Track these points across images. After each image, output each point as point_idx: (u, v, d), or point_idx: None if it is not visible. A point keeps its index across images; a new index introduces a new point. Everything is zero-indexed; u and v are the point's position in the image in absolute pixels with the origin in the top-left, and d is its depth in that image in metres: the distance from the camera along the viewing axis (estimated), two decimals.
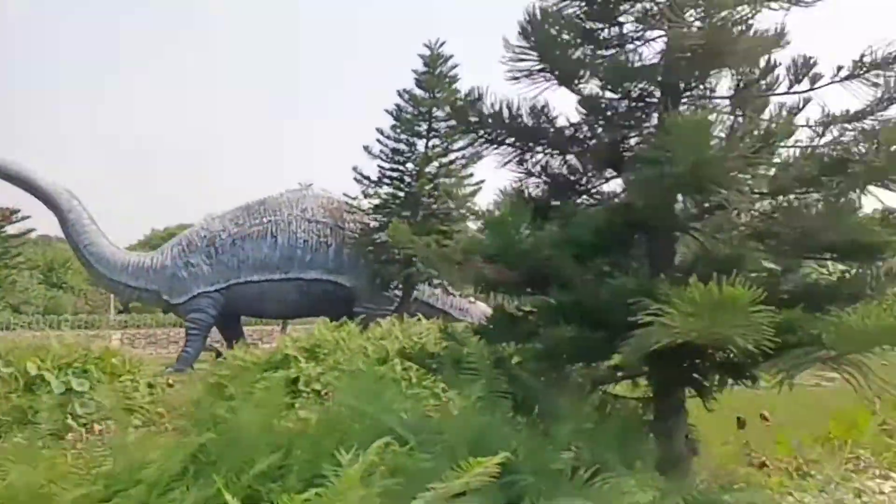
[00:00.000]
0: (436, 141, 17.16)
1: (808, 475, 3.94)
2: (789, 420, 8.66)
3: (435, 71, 17.25)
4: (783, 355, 3.22)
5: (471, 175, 17.58)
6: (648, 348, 3.23)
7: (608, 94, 4.85)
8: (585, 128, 4.74)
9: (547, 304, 4.20)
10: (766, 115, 5.14)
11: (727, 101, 5.08)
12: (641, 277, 3.84)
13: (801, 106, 4.91)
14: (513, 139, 4.88)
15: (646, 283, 3.71)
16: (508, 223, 3.76)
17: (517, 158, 5.28)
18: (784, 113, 4.98)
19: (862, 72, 4.25)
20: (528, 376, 3.82)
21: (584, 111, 4.81)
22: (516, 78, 4.77)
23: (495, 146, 5.21)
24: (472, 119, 4.91)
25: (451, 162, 17.47)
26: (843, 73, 4.34)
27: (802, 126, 4.78)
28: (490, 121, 4.76)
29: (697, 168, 3.43)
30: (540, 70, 4.59)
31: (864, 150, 3.58)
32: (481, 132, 4.95)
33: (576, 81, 4.74)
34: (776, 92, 4.70)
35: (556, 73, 4.63)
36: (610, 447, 3.60)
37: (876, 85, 4.30)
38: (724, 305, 2.84)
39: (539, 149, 5.05)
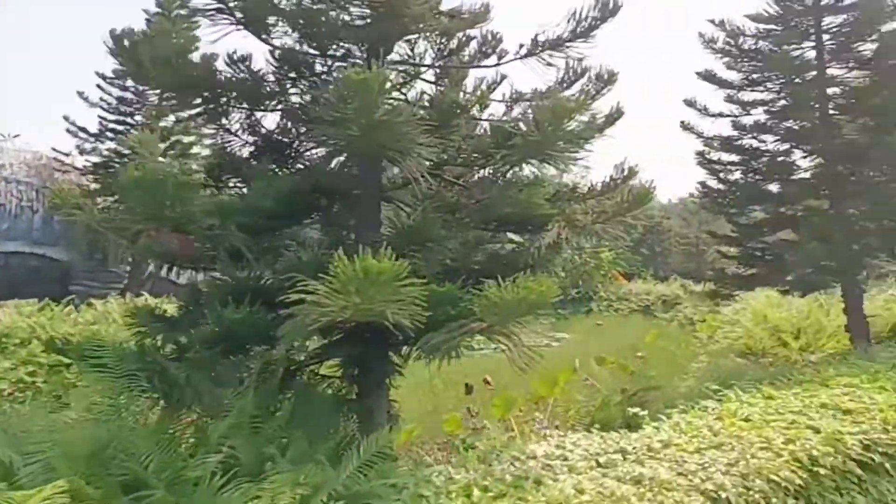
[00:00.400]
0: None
1: (470, 447, 4.03)
2: (512, 382, 9.33)
3: (171, 13, 15.25)
4: (443, 328, 3.13)
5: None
6: (308, 328, 2.91)
7: (308, 50, 4.45)
8: (273, 82, 4.25)
9: (217, 281, 3.68)
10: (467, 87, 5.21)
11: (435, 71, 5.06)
12: (316, 251, 3.49)
13: (498, 80, 5.04)
14: (192, 90, 4.19)
15: (321, 256, 3.38)
16: (155, 183, 3.12)
17: (209, 113, 4.66)
18: (484, 87, 5.09)
19: (538, 51, 4.39)
20: (179, 369, 3.26)
21: (275, 64, 4.32)
22: (193, 18, 4.12)
23: (176, 97, 4.51)
24: (144, 63, 4.11)
25: (192, 116, 15.61)
26: (523, 52, 4.47)
27: (499, 101, 4.92)
28: (161, 66, 4.02)
29: (370, 130, 3.16)
30: (218, 10, 3.97)
31: (524, 127, 3.63)
32: (154, 79, 4.19)
33: (266, 30, 4.24)
34: (472, 65, 4.72)
35: (238, 16, 4.05)
36: (273, 440, 3.25)
37: (550, 65, 4.51)
38: (371, 280, 2.60)
39: (231, 102, 4.46)
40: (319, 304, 2.67)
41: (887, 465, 3.75)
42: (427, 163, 4.00)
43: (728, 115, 8.99)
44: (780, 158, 8.83)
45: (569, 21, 4.19)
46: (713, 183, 9.00)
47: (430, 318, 3.23)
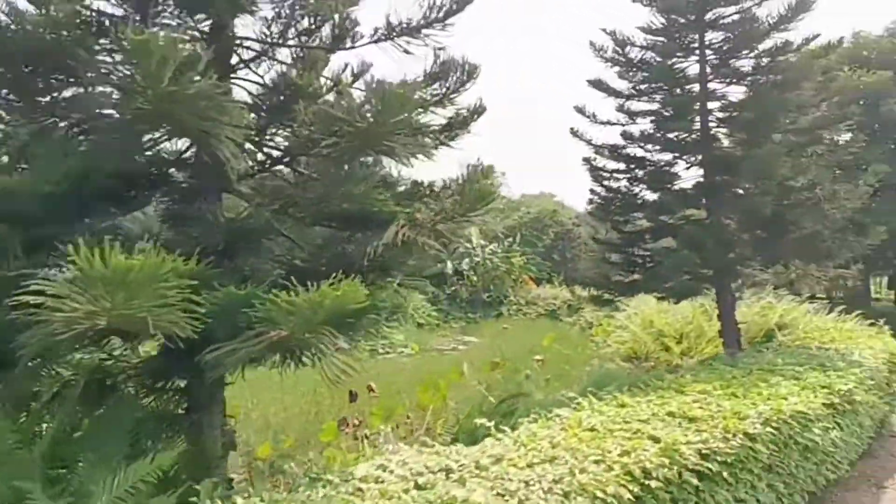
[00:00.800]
0: None
1: (279, 470, 3.66)
2: (405, 388, 8.99)
3: None
4: (239, 337, 2.75)
5: None
6: (48, 338, 2.45)
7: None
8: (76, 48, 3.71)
9: None
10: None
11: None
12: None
13: (364, 69, 4.72)
14: None
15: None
16: None
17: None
18: (348, 73, 4.76)
19: (393, 36, 4.11)
20: None
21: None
22: None
23: None
24: None
25: None
26: (379, 36, 4.18)
27: (363, 90, 4.62)
28: None
29: (159, 103, 2.74)
30: None
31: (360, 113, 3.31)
32: None
33: None
34: (316, 46, 4.37)
35: None
36: (33, 472, 2.76)
37: (408, 52, 4.24)
38: (119, 280, 2.19)
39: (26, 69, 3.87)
40: (58, 309, 2.23)
41: (725, 474, 3.69)
42: (249, 149, 3.64)
43: (616, 124, 9.07)
44: (665, 168, 8.99)
45: (421, 6, 3.93)
46: (600, 190, 9.06)
47: (231, 325, 2.86)
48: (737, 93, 8.76)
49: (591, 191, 9.35)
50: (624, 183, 9.00)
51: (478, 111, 4.69)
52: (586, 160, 8.99)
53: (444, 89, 4.55)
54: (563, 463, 3.19)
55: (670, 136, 8.67)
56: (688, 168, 8.99)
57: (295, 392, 8.63)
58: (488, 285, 25.58)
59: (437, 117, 4.65)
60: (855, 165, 11.13)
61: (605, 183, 8.93)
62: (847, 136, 12.67)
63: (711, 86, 8.75)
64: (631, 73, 8.91)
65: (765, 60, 8.26)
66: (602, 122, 8.97)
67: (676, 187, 8.78)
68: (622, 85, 9.03)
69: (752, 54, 8.54)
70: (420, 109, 4.66)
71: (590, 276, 10.62)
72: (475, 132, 4.82)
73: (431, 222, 3.57)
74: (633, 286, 8.83)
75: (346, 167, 3.74)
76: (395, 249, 3.82)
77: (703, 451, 3.63)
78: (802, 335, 8.77)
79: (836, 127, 8.86)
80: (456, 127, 4.71)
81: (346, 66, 4.76)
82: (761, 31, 8.28)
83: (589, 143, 8.96)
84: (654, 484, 3.19)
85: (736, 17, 8.36)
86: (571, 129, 8.85)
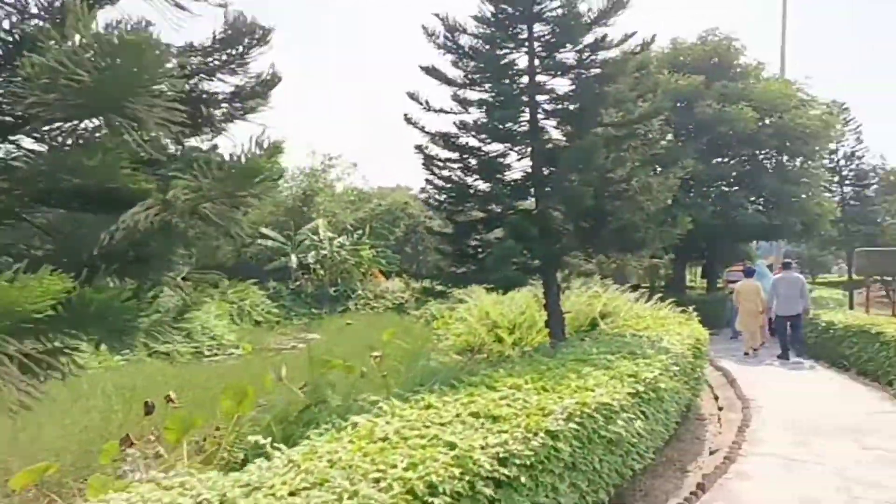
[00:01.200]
0: None
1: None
2: (215, 396, 8.07)
3: None
4: None
5: None
6: None
7: None
8: None
9: None
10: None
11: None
12: None
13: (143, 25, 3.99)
14: None
15: None
16: None
17: None
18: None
19: None
20: None
21: None
22: None
23: None
24: None
25: None
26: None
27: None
28: None
29: None
30: None
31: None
32: None
33: None
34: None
35: None
36: None
37: (180, 6, 3.60)
38: None
39: None
40: None
41: (524, 479, 3.46)
42: None
43: (449, 112, 8.86)
44: (497, 158, 8.94)
45: None
46: (432, 178, 8.81)
47: None
48: (563, 85, 8.93)
49: (426, 180, 9.09)
50: (457, 173, 8.83)
51: (270, 82, 4.18)
52: (419, 148, 8.70)
53: (233, 54, 4.04)
54: (335, 486, 2.76)
55: (500, 126, 8.61)
56: (519, 159, 9.03)
57: (83, 406, 7.47)
58: (336, 279, 24.88)
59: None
60: (671, 161, 11.91)
61: (438, 172, 8.69)
62: (669, 137, 13.63)
63: (540, 78, 8.82)
64: (464, 62, 8.75)
65: (586, 54, 8.44)
66: (436, 110, 8.72)
67: (508, 178, 8.77)
68: (456, 73, 8.84)
69: (575, 48, 8.71)
70: (204, 75, 4.12)
71: (429, 267, 10.41)
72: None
73: (190, 203, 2.96)
74: (464, 277, 8.69)
75: (88, 136, 3.01)
76: (149, 236, 3.17)
77: (502, 456, 3.37)
78: (622, 323, 9.14)
79: (652, 123, 9.30)
80: (245, 97, 4.20)
81: (119, 22, 4.02)
82: (583, 25, 8.45)
83: (423, 130, 8.67)
84: (438, 501, 2.86)
85: (560, 10, 8.45)
86: (405, 115, 8.51)
